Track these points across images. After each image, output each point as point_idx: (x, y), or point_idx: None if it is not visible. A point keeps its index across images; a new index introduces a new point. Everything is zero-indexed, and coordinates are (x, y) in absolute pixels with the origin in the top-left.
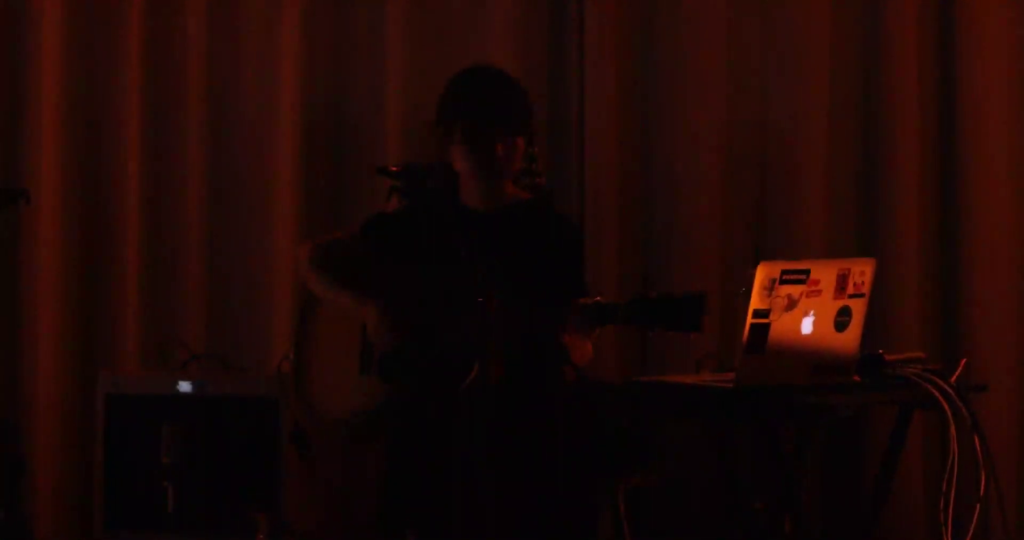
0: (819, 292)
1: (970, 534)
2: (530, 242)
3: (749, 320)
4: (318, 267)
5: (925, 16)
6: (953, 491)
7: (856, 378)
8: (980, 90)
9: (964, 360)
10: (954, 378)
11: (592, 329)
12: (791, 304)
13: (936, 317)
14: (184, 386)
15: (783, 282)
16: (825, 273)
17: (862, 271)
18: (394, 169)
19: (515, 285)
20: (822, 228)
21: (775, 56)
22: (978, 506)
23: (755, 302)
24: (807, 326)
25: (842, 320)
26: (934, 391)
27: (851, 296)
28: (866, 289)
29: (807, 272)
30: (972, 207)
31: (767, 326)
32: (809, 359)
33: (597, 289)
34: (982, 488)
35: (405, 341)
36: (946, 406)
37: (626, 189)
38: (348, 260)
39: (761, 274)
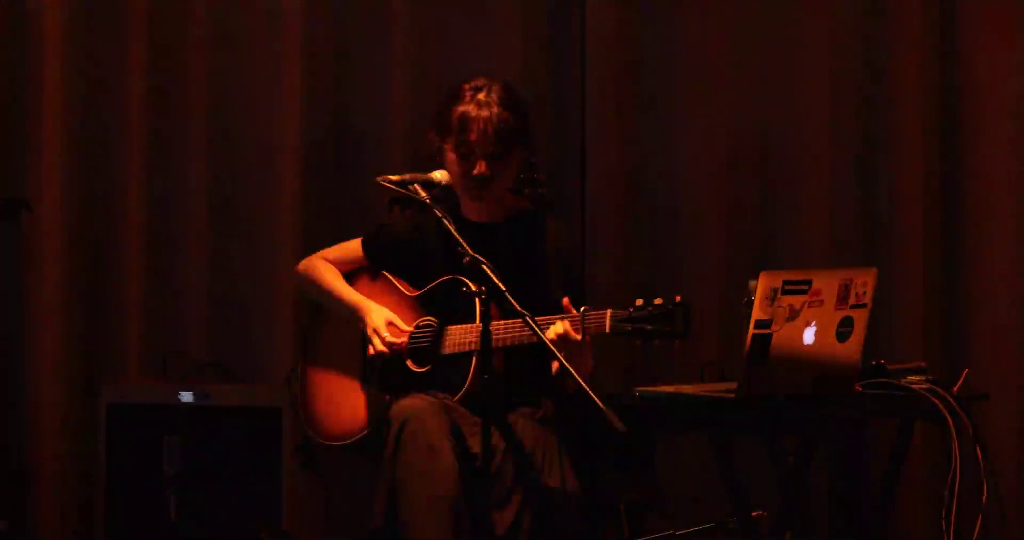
0: (821, 302)
1: None
2: (527, 253)
3: (751, 330)
4: (321, 274)
5: (927, 22)
6: (955, 501)
7: (858, 388)
8: (983, 98)
9: (966, 370)
10: (956, 388)
11: (582, 337)
12: (793, 314)
13: (938, 326)
14: (186, 396)
15: (785, 292)
16: (827, 283)
17: (864, 281)
18: (394, 178)
19: (513, 295)
20: (824, 238)
21: (776, 64)
22: (980, 515)
23: (757, 312)
24: (809, 336)
25: (844, 330)
26: (936, 401)
27: (853, 306)
28: (868, 299)
29: (809, 282)
30: (974, 216)
31: (769, 336)
32: (811, 369)
33: (599, 298)
34: (984, 497)
35: (404, 349)
36: (948, 416)
37: (628, 198)
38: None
39: (763, 284)
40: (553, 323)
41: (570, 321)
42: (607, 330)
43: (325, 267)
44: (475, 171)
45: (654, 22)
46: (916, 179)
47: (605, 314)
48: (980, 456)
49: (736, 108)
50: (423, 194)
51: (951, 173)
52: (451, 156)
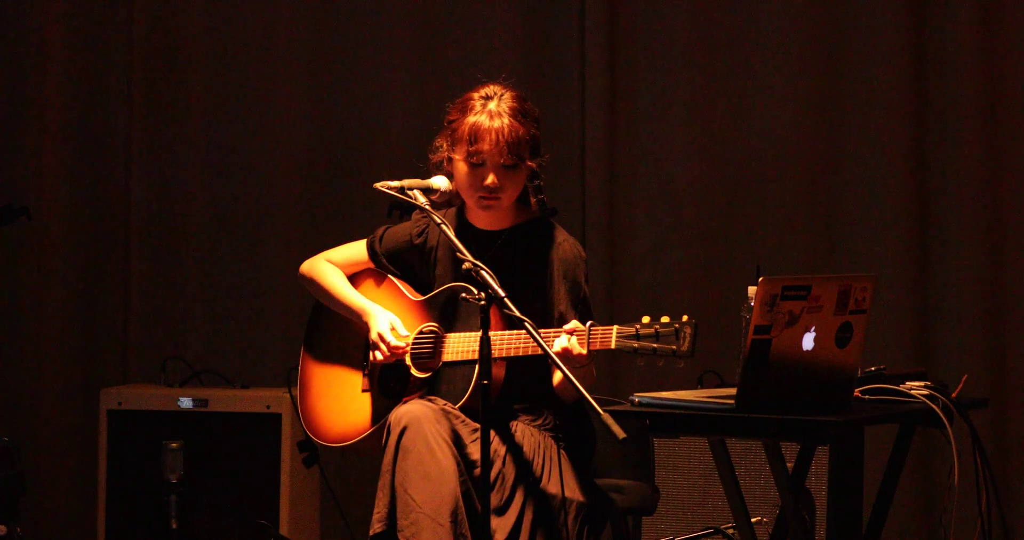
0: (820, 308)
1: None
2: (533, 261)
3: (750, 336)
4: (325, 276)
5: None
6: (955, 506)
7: (857, 394)
8: (980, 99)
9: (965, 376)
10: (955, 394)
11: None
12: (792, 320)
13: (937, 332)
14: (185, 402)
15: (784, 298)
16: (826, 289)
17: (863, 287)
18: (393, 184)
19: (517, 303)
20: (824, 243)
21: (774, 73)
22: (979, 521)
23: (756, 318)
24: (808, 342)
25: (843, 336)
26: (935, 407)
27: (852, 312)
28: (867, 305)
29: (808, 288)
30: (974, 221)
31: (768, 342)
32: (810, 375)
33: (598, 299)
34: (983, 503)
35: (405, 355)
36: (947, 422)
37: (626, 201)
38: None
39: (762, 290)
40: (558, 336)
41: (575, 335)
42: (612, 346)
43: (329, 269)
44: (485, 182)
45: (653, 23)
46: (914, 185)
47: (611, 330)
48: (979, 462)
49: (735, 117)
50: (422, 200)
51: (951, 178)
52: (461, 167)
